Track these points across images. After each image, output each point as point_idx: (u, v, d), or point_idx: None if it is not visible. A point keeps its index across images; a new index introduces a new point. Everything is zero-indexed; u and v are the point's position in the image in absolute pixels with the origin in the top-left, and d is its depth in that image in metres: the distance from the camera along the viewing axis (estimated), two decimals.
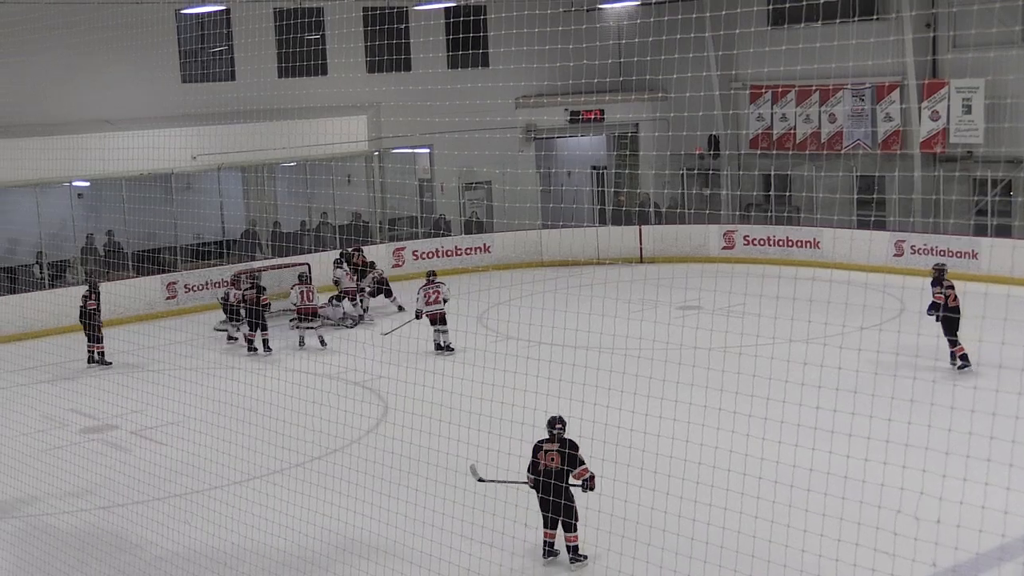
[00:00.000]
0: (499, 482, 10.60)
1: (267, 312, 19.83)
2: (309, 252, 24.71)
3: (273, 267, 22.88)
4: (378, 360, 17.01)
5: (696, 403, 10.30)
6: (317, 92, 24.76)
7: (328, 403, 13.00)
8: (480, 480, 10.69)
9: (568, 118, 29.41)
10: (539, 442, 10.10)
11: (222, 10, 24.58)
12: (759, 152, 27.67)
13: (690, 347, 15.34)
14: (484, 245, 27.17)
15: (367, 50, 25.04)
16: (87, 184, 24.31)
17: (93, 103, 23.05)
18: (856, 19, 22.92)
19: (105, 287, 20.33)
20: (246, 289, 19.95)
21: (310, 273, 21.20)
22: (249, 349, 19.58)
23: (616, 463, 9.97)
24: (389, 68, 25.92)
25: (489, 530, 9.82)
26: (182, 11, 24.16)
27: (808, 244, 25.29)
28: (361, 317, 21.75)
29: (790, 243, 25.60)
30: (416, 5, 26.58)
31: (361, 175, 27.68)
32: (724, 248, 26.44)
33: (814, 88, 26.03)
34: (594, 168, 30.45)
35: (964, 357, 15.52)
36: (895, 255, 23.76)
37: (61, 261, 23.82)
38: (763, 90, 27.29)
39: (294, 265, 22.63)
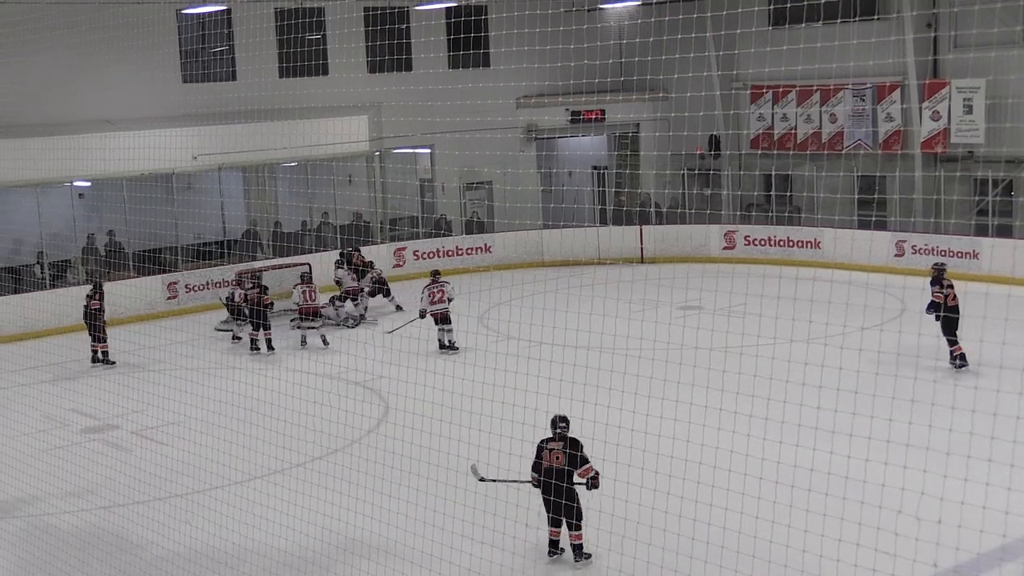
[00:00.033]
0: (500, 481, 10.60)
1: (270, 312, 19.86)
2: (310, 252, 24.72)
3: (274, 267, 22.88)
4: (379, 360, 17.01)
5: (697, 403, 10.31)
6: (318, 92, 24.76)
7: (329, 403, 13.01)
8: (481, 480, 10.70)
9: (569, 118, 29.41)
10: (543, 441, 10.11)
11: (223, 10, 24.57)
12: (760, 152, 27.66)
13: (691, 347, 15.33)
14: (485, 245, 27.17)
15: (368, 50, 25.04)
16: (88, 184, 24.31)
17: (94, 103, 23.05)
18: (857, 19, 22.98)
19: (107, 287, 20.33)
20: (249, 289, 19.98)
21: (311, 273, 21.22)
22: (252, 348, 19.60)
23: (617, 463, 9.97)
24: (390, 68, 25.94)
25: (490, 530, 9.82)
26: (183, 11, 24.16)
27: (809, 244, 25.28)
28: (362, 317, 21.76)
29: (791, 243, 25.59)
30: (417, 5, 26.58)
31: (362, 175, 27.68)
32: (725, 248, 26.43)
33: (815, 88, 26.02)
34: (595, 168, 30.44)
35: (962, 357, 15.53)
36: (896, 255, 23.75)
37: (62, 261, 23.83)
38: (764, 90, 27.28)
39: (295, 265, 22.63)
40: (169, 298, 23.40)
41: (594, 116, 29.27)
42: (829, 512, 8.80)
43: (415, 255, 26.64)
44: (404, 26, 26.84)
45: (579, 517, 9.97)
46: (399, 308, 22.50)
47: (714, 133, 28.23)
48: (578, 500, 9.99)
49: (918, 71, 24.61)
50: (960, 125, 23.98)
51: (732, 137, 28.44)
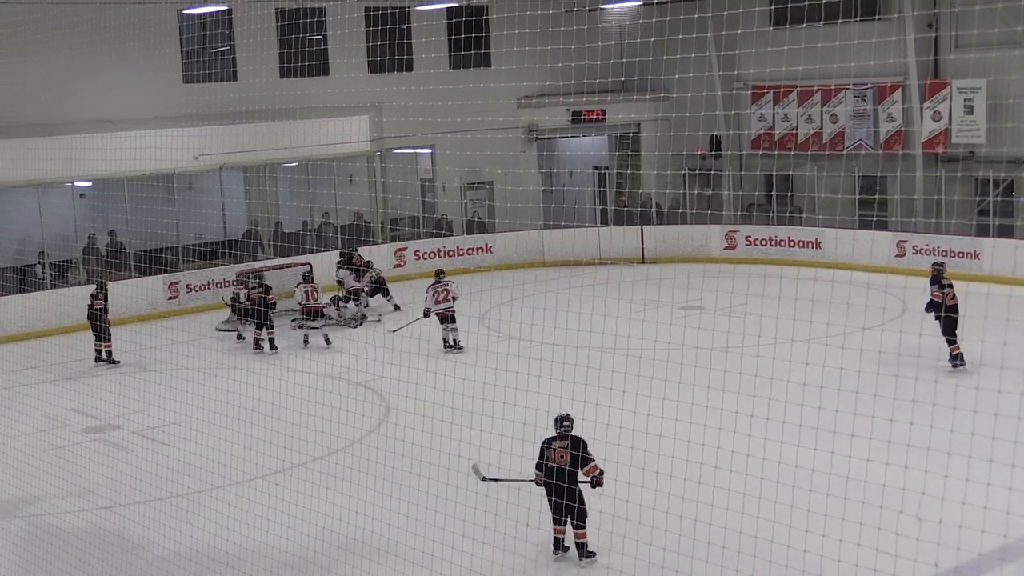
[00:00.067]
0: (503, 480, 10.60)
1: (273, 311, 19.92)
2: (311, 252, 24.73)
3: (275, 267, 22.89)
4: (380, 360, 17.01)
5: (698, 403, 10.31)
6: (319, 92, 24.77)
7: (330, 403, 13.00)
8: (484, 479, 10.70)
9: (570, 118, 29.41)
10: (547, 439, 10.14)
11: (224, 10, 24.58)
12: (761, 152, 27.66)
13: (692, 347, 15.33)
14: (486, 245, 27.17)
15: (369, 50, 25.04)
16: (89, 184, 24.33)
17: (95, 103, 23.06)
18: (858, 19, 22.94)
19: (109, 287, 20.34)
20: (252, 288, 20.02)
21: (312, 273, 21.24)
22: (255, 348, 19.65)
23: (618, 463, 9.98)
24: (391, 68, 25.93)
25: (491, 530, 9.82)
26: (184, 11, 24.16)
27: (810, 244, 25.28)
28: (364, 316, 21.78)
29: (792, 243, 25.59)
30: (418, 5, 26.58)
31: (363, 175, 27.68)
32: (726, 248, 26.43)
33: (816, 88, 26.02)
34: (596, 168, 30.45)
35: (959, 357, 15.55)
36: (897, 255, 23.74)
37: (63, 261, 23.84)
38: (765, 90, 27.28)
39: (296, 265, 22.66)
40: (170, 298, 23.41)
41: (595, 116, 29.27)
42: (830, 512, 8.80)
43: (416, 255, 26.64)
44: (405, 26, 26.85)
45: (583, 516, 10.00)
46: (397, 308, 22.53)
47: (715, 133, 28.23)
48: (582, 499, 10.00)
49: (919, 71, 24.61)
50: (961, 125, 23.97)
51: (733, 137, 28.44)
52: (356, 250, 23.58)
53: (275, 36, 25.21)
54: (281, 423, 12.90)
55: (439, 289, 18.84)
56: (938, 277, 15.95)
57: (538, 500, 10.49)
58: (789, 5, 23.27)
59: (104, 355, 19.25)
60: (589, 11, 26.78)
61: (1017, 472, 8.98)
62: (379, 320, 21.68)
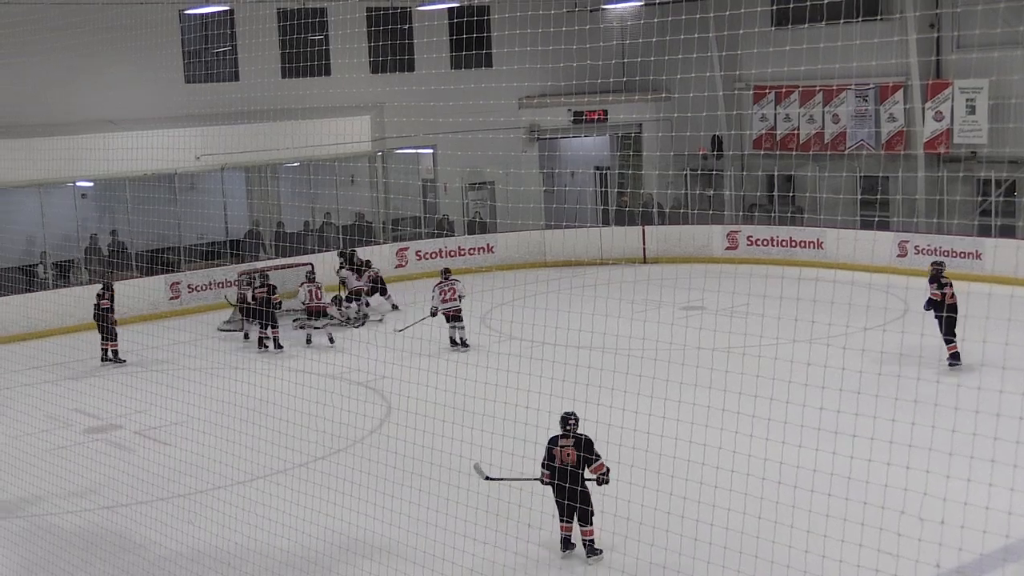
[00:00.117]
0: (506, 479, 10.61)
1: (278, 311, 19.97)
2: (312, 252, 24.73)
3: (277, 267, 22.90)
4: (382, 360, 17.02)
5: (699, 404, 10.31)
6: (320, 92, 24.78)
7: (331, 403, 13.01)
8: (487, 479, 10.70)
9: (571, 118, 29.40)
10: (553, 438, 10.18)
11: (226, 11, 24.59)
12: (762, 152, 27.65)
13: (693, 347, 15.32)
14: (487, 245, 27.17)
15: (370, 50, 25.06)
16: (91, 184, 24.34)
17: (97, 103, 23.07)
18: (860, 19, 22.93)
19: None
20: (257, 288, 20.06)
21: (315, 272, 21.27)
22: (260, 347, 19.69)
23: (619, 463, 9.98)
24: (392, 68, 25.94)
25: (493, 530, 9.83)
26: (186, 12, 24.17)
27: (811, 244, 25.27)
28: (366, 316, 21.79)
29: (793, 243, 25.59)
30: (419, 5, 26.59)
31: (364, 175, 27.69)
32: (727, 248, 26.42)
33: (818, 88, 26.00)
34: (597, 168, 30.44)
35: (955, 356, 15.60)
36: (899, 256, 23.73)
37: (65, 261, 23.85)
38: (766, 90, 27.27)
39: (298, 265, 22.68)
40: (172, 298, 23.42)
41: (596, 116, 29.26)
42: (832, 513, 8.79)
43: (417, 255, 26.65)
44: (406, 26, 26.85)
45: (591, 513, 10.04)
46: (395, 307, 22.56)
47: (717, 133, 28.22)
48: (590, 496, 10.03)
49: (921, 71, 24.59)
50: (963, 125, 23.95)
51: (735, 137, 28.43)
52: (354, 251, 23.62)
53: (277, 36, 25.21)
54: (283, 423, 12.91)
55: (446, 288, 18.91)
56: (937, 276, 15.97)
57: (539, 500, 10.49)
58: (791, 5, 23.26)
59: (110, 354, 19.29)
60: (590, 11, 26.78)
61: (1019, 472, 8.96)
62: (381, 320, 21.69)
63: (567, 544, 10.24)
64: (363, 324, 21.40)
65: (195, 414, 14.56)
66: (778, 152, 27.05)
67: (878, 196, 25.25)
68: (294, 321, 20.73)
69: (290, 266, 22.91)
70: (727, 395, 10.41)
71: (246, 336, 20.59)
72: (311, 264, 22.15)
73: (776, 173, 26.78)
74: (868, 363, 13.22)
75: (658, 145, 27.87)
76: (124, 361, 19.26)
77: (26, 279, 22.57)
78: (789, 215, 26.15)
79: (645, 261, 26.51)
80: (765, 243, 25.99)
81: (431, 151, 28.22)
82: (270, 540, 10.52)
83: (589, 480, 10.07)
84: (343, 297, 21.79)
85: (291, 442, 12.43)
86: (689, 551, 9.03)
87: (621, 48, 25.58)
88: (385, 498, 10.60)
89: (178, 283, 23.53)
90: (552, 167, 30.64)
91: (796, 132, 26.96)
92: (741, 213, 27.25)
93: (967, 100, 23.80)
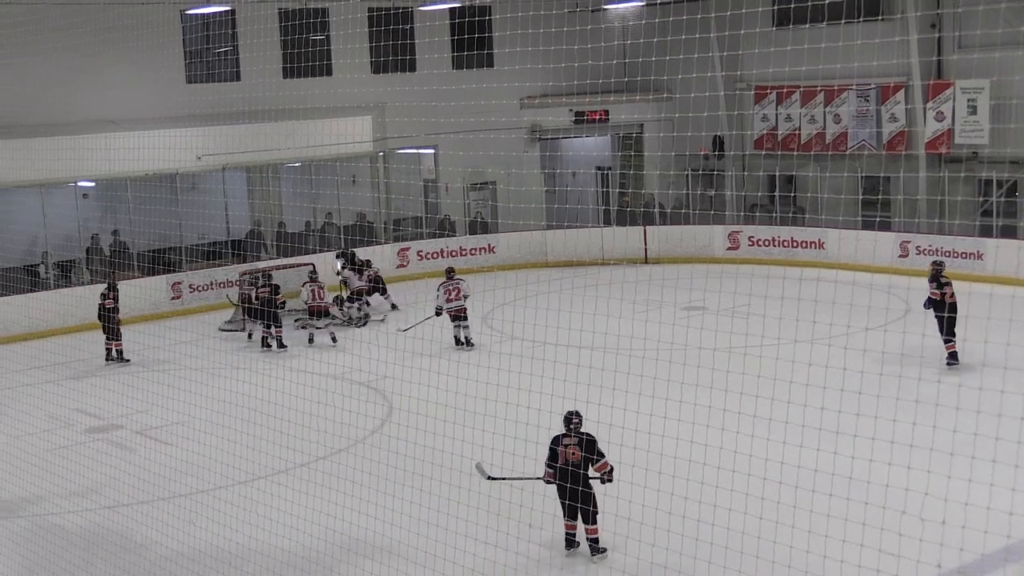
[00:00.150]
0: (510, 479, 10.61)
1: (282, 310, 20.01)
2: (314, 252, 24.74)
3: (278, 267, 22.90)
4: (383, 360, 17.02)
5: (701, 404, 10.31)
6: (322, 92, 24.78)
7: (333, 403, 13.02)
8: (490, 478, 10.71)
9: (573, 118, 29.40)
10: (557, 437, 10.20)
11: (227, 11, 24.60)
12: (764, 153, 27.64)
13: (695, 348, 15.31)
14: (489, 245, 27.17)
15: (372, 50, 25.04)
16: (92, 184, 24.35)
17: (98, 103, 23.09)
18: (861, 20, 22.92)
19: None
20: (261, 287, 20.09)
21: (317, 272, 21.28)
22: (263, 346, 19.72)
23: (621, 463, 9.99)
24: (394, 68, 25.94)
25: (494, 530, 9.83)
26: (187, 12, 24.19)
27: (813, 245, 25.27)
28: (367, 316, 21.80)
29: (795, 244, 25.58)
30: (421, 5, 26.59)
31: (366, 175, 27.70)
32: (729, 249, 26.42)
33: (819, 89, 26.00)
34: (599, 169, 30.44)
35: (953, 355, 15.63)
36: (900, 256, 23.72)
37: (66, 261, 23.86)
38: (768, 91, 27.27)
39: (299, 265, 22.69)
40: (173, 298, 23.43)
41: (598, 116, 29.26)
42: (833, 513, 8.79)
43: (419, 255, 26.65)
44: (408, 26, 26.86)
45: (595, 511, 10.05)
46: (394, 307, 22.58)
47: (718, 134, 28.22)
48: (594, 494, 10.04)
49: (922, 72, 24.58)
50: (964, 126, 23.95)
51: (736, 138, 28.42)
52: (353, 251, 23.64)
53: (278, 36, 25.22)
54: (284, 423, 12.92)
55: (450, 287, 18.96)
56: (937, 276, 16.00)
57: (541, 500, 10.50)
58: (792, 5, 23.24)
59: (115, 354, 19.31)
60: (592, 11, 26.78)
61: (1020, 473, 8.95)
62: (383, 320, 21.70)
63: (571, 542, 10.26)
64: (365, 324, 21.41)
65: (196, 414, 14.55)
66: (779, 152, 27.04)
67: (879, 196, 25.24)
68: (296, 321, 20.75)
69: (291, 266, 22.91)
70: (728, 395, 10.42)
71: (250, 336, 20.63)
72: (312, 264, 22.15)
73: (777, 173, 26.77)
74: (869, 363, 13.22)
75: (659, 145, 27.87)
76: (128, 360, 19.29)
77: (29, 279, 22.59)
78: (790, 215, 26.14)
79: (646, 261, 26.50)
80: (766, 243, 25.99)
81: (432, 151, 28.22)
82: (271, 540, 10.52)
83: (593, 479, 10.09)
84: (344, 297, 21.80)
85: (292, 442, 12.43)
86: (690, 551, 9.02)
87: (622, 48, 25.58)
88: (386, 498, 10.60)
89: (179, 283, 23.54)
90: (553, 167, 30.65)
91: (797, 132, 26.96)
92: (742, 213, 27.24)
93: (968, 100, 23.80)
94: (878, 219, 24.48)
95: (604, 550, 10.13)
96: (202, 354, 19.27)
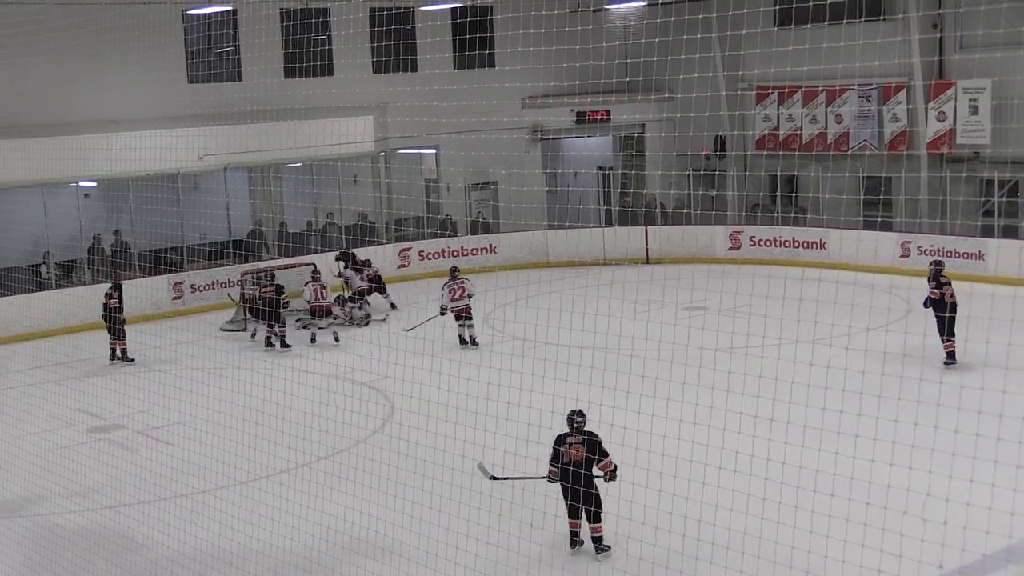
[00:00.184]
0: (513, 478, 10.62)
1: (285, 310, 20.03)
2: (315, 252, 24.74)
3: (280, 267, 22.91)
4: (384, 360, 17.02)
5: (702, 404, 10.30)
6: (323, 92, 24.79)
7: (334, 403, 13.02)
8: (493, 478, 10.71)
9: (574, 119, 29.40)
10: (560, 436, 10.22)
11: (228, 11, 24.61)
12: (765, 153, 27.64)
13: (696, 348, 15.29)
14: (490, 246, 27.17)
15: (373, 50, 25.05)
16: (94, 184, 24.35)
17: (100, 103, 23.10)
18: (863, 20, 22.92)
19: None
20: (265, 287, 20.11)
21: (318, 272, 21.29)
22: (267, 345, 19.74)
23: (622, 463, 9.99)
24: (395, 68, 25.95)
25: (495, 530, 9.83)
26: (189, 12, 24.19)
27: (814, 245, 25.26)
28: (368, 316, 21.81)
29: (796, 244, 25.58)
30: (423, 6, 26.59)
31: (367, 175, 27.70)
32: (730, 249, 26.42)
33: (820, 89, 25.99)
34: (600, 169, 30.43)
35: (950, 354, 15.65)
36: (902, 256, 23.72)
37: (68, 261, 23.87)
38: (769, 91, 27.26)
39: (301, 265, 22.70)
40: (175, 298, 23.43)
41: (599, 117, 29.26)
42: (834, 513, 8.79)
43: (420, 255, 26.66)
44: (410, 26, 26.86)
45: (599, 509, 10.09)
46: (393, 306, 22.60)
47: (719, 134, 28.21)
48: (599, 493, 10.05)
49: (924, 72, 24.58)
50: (966, 126, 23.94)
51: (737, 138, 28.42)
52: (351, 251, 23.65)
53: (280, 36, 25.22)
54: (285, 423, 12.91)
55: (455, 287, 18.99)
56: (936, 275, 16.01)
57: (542, 500, 10.50)
58: (793, 5, 23.25)
59: (119, 353, 19.33)
60: (593, 11, 26.77)
61: (1022, 473, 8.95)
62: (384, 320, 21.70)
63: (575, 540, 10.26)
64: (367, 324, 21.42)
65: (198, 414, 14.56)
66: (781, 152, 27.04)
67: (881, 196, 25.23)
68: (296, 321, 20.76)
69: (293, 266, 22.92)
70: (730, 395, 10.43)
71: (253, 335, 20.65)
72: (314, 264, 22.15)
73: (779, 173, 26.77)
74: (871, 364, 13.22)
75: (661, 145, 27.87)
76: (133, 360, 19.30)
77: (32, 279, 22.60)
78: (792, 215, 26.13)
79: (648, 261, 26.50)
80: (768, 244, 25.98)
81: (434, 151, 28.22)
82: (273, 540, 10.53)
83: (597, 477, 10.11)
84: (346, 297, 21.81)
85: (294, 442, 12.43)
86: (691, 551, 9.02)
87: (624, 48, 25.56)
88: (388, 498, 10.61)
89: (181, 283, 23.54)
90: (555, 167, 30.64)
91: (799, 132, 26.95)
92: (744, 213, 27.24)
93: (970, 100, 23.79)
94: (879, 219, 24.48)
95: (608, 548, 10.16)
96: (203, 354, 19.28)
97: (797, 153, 26.57)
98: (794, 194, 26.74)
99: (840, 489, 9.17)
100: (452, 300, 18.94)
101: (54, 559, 10.70)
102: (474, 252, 26.90)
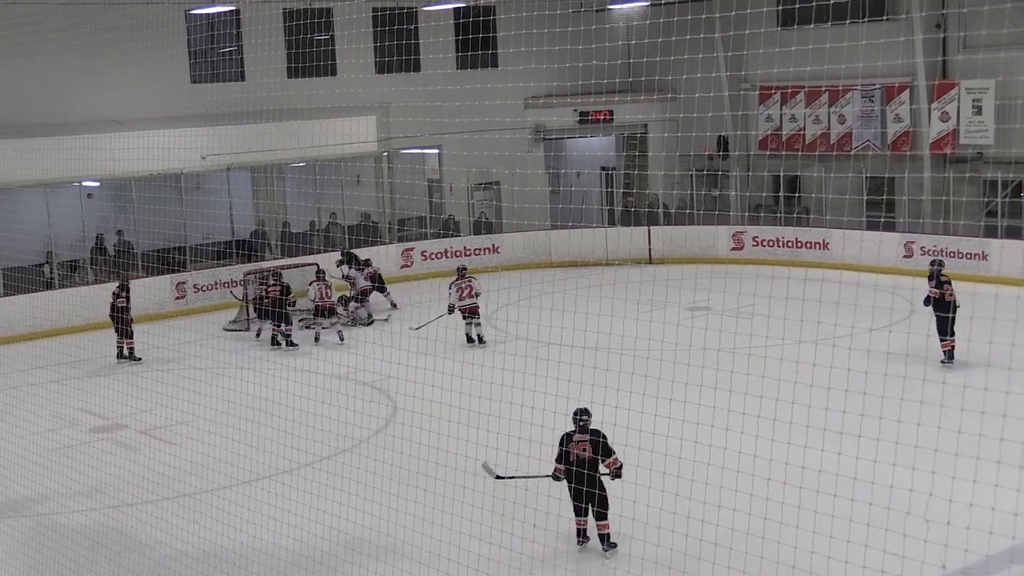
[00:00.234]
0: (518, 477, 10.62)
1: (291, 309, 20.07)
2: (318, 252, 24.75)
3: (283, 267, 22.92)
4: (387, 360, 17.02)
5: (705, 404, 10.28)
6: (326, 92, 24.79)
7: (337, 403, 13.02)
8: (498, 478, 10.71)
9: (577, 119, 29.40)
10: (566, 434, 10.24)
11: (231, 10, 24.62)
12: (768, 153, 27.63)
13: (699, 348, 15.29)
14: (493, 246, 27.17)
15: (376, 50, 25.05)
16: (97, 184, 24.38)
17: (102, 103, 23.11)
18: (866, 20, 22.89)
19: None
20: (271, 286, 20.14)
21: (323, 272, 21.31)
22: (273, 344, 19.76)
23: (625, 464, 9.99)
24: (398, 68, 25.96)
25: (498, 530, 9.83)
26: (191, 11, 24.21)
27: (817, 245, 25.25)
28: (369, 316, 21.82)
29: (799, 244, 25.56)
30: (425, 5, 26.59)
31: (370, 175, 27.71)
32: (733, 249, 26.40)
33: (823, 89, 25.98)
34: (603, 169, 30.41)
35: (948, 353, 15.65)
36: (905, 256, 23.70)
37: (71, 261, 23.89)
38: (772, 91, 27.25)
39: (303, 265, 22.71)
40: (177, 298, 23.45)
41: (602, 117, 29.25)
42: (837, 513, 8.78)
43: (423, 255, 26.67)
44: (412, 27, 26.86)
45: (605, 507, 10.10)
46: (394, 306, 22.61)
47: (722, 134, 28.20)
48: (605, 490, 10.06)
49: (927, 72, 24.56)
50: (969, 126, 23.92)
51: (740, 138, 28.40)
52: (352, 251, 23.67)
53: (283, 36, 25.23)
54: (288, 423, 12.92)
55: (463, 285, 19.07)
56: (936, 274, 16.01)
57: (545, 500, 10.50)
58: (796, 6, 23.23)
59: (126, 352, 19.35)
60: (596, 11, 26.75)
61: None
62: (387, 320, 21.71)
63: (582, 537, 10.30)
64: (371, 323, 21.43)
65: (200, 414, 14.58)
66: (784, 153, 27.04)
67: (884, 197, 25.19)
68: (300, 321, 20.78)
69: (296, 266, 22.94)
70: (733, 396, 10.43)
71: (258, 334, 20.67)
72: (316, 264, 22.16)
73: (782, 174, 26.76)
74: (873, 364, 13.18)
75: (664, 145, 27.86)
76: (140, 359, 19.33)
77: (36, 279, 22.61)
78: (795, 216, 26.12)
79: (651, 261, 26.50)
80: (771, 244, 25.97)
81: (437, 151, 28.23)
82: (275, 540, 10.53)
83: (604, 475, 10.12)
84: (349, 297, 21.82)
85: (296, 442, 12.43)
86: (695, 552, 9.02)
87: (627, 48, 25.54)
88: (390, 498, 10.61)
89: (184, 283, 23.56)
90: (558, 167, 30.64)
91: (802, 132, 26.94)
92: (747, 214, 27.23)
93: (973, 100, 23.77)
94: (882, 220, 24.46)
95: (615, 545, 10.18)
96: (206, 354, 19.29)
97: (800, 153, 26.56)
98: (797, 194, 26.72)
99: (843, 489, 9.18)
100: (460, 299, 19.01)
101: (57, 559, 10.71)
102: (477, 252, 26.90)
